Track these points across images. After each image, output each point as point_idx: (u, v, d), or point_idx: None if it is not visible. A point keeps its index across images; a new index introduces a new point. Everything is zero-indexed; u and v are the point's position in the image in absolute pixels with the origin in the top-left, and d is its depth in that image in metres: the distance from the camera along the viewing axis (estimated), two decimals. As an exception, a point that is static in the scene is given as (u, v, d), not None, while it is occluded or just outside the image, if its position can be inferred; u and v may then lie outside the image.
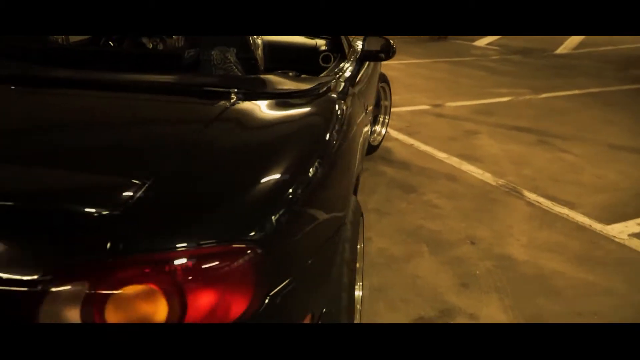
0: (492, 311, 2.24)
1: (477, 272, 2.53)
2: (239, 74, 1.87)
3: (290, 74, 2.14)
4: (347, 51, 2.90)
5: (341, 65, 2.45)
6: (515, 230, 2.97)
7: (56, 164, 1.16)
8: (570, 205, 3.28)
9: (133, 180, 1.04)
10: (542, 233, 2.95)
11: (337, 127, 1.54)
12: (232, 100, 1.49)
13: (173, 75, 1.66)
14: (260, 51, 2.07)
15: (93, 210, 0.96)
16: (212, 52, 1.89)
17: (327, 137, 1.45)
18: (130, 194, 1.00)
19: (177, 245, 0.93)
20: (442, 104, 5.63)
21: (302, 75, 2.04)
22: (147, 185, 1.03)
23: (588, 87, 6.71)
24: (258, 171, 1.16)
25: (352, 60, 2.60)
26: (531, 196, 3.41)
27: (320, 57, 2.96)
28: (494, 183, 3.60)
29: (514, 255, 2.70)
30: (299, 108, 1.60)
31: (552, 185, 3.57)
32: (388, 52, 2.62)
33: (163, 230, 0.96)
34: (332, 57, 2.94)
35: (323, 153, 1.37)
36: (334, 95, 1.78)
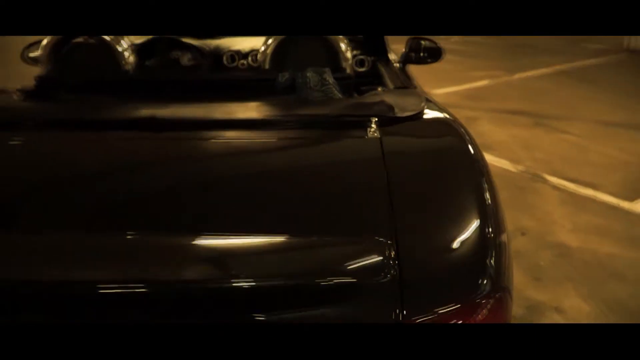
0: (573, 302, 2.33)
1: (542, 263, 2.62)
2: (339, 96, 1.82)
3: (383, 90, 2.05)
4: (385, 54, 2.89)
5: (386, 70, 2.43)
6: (556, 216, 3.08)
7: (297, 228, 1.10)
8: (593, 186, 3.44)
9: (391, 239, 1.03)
10: (581, 217, 3.08)
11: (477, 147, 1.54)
12: (372, 130, 1.45)
13: (296, 106, 1.59)
14: (350, 68, 2.01)
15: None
16: (308, 74, 1.83)
17: (482, 160, 1.45)
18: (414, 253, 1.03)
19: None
20: (429, 92, 5.71)
21: (399, 89, 1.99)
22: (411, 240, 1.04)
23: (553, 65, 6.99)
24: (474, 214, 1.16)
25: (397, 65, 2.59)
26: (554, 180, 3.54)
27: (355, 60, 2.92)
28: (514, 170, 3.71)
29: (566, 243, 2.81)
30: (441, 132, 1.57)
31: (567, 167, 3.73)
32: (437, 55, 2.62)
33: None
34: (366, 60, 2.91)
35: (489, 178, 1.37)
36: (447, 115, 1.77)
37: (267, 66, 1.97)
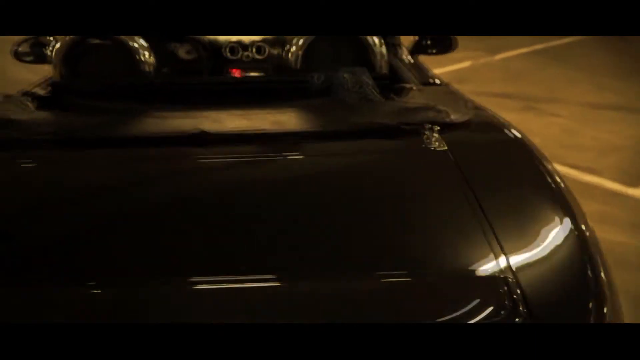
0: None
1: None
2: (379, 97, 1.72)
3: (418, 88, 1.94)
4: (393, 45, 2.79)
5: (401, 63, 2.35)
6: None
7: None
8: (593, 172, 3.46)
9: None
10: (589, 205, 3.08)
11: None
12: (435, 139, 1.36)
13: (346, 113, 1.48)
14: (385, 66, 1.90)
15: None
16: (344, 75, 1.72)
17: (546, 160, 1.42)
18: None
19: None
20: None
21: (432, 86, 1.90)
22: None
23: (529, 45, 7.01)
24: (564, 216, 1.17)
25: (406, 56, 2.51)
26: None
27: None
28: (513, 157, 3.70)
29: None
30: (502, 138, 1.51)
31: (565, 153, 3.74)
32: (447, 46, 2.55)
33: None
34: None
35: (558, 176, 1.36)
36: (496, 116, 1.70)
37: (297, 66, 1.84)
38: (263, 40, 2.73)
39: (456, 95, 1.82)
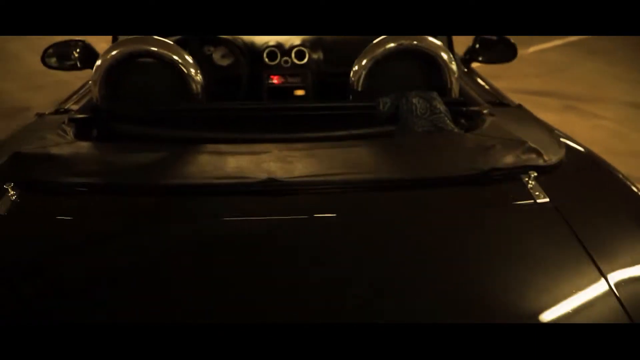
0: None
1: None
2: (452, 126, 1.51)
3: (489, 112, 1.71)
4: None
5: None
6: None
7: None
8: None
9: None
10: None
11: None
12: (537, 193, 1.16)
13: (429, 154, 1.28)
14: (456, 86, 1.68)
15: None
16: (414, 100, 1.52)
17: None
18: None
19: None
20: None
21: (502, 107, 1.69)
22: None
23: (563, 37, 6.71)
24: None
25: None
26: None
27: None
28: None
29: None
30: (605, 181, 1.32)
31: (617, 161, 3.49)
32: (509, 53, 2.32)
33: None
34: None
35: None
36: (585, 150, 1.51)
37: (360, 87, 1.63)
38: (303, 44, 2.53)
39: (537, 122, 1.61)
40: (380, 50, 1.57)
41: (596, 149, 2.86)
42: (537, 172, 1.21)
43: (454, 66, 1.61)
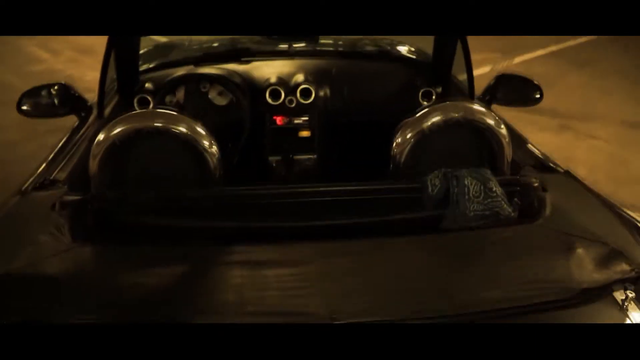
0: None
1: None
2: (508, 211, 1.32)
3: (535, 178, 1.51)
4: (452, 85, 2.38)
5: None
6: None
7: None
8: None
9: None
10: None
11: None
12: (632, 310, 0.99)
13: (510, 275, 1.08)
14: (506, 164, 1.47)
15: None
16: (466, 182, 1.32)
17: None
18: None
19: None
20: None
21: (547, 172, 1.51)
22: None
23: (545, 46, 6.63)
24: None
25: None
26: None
27: (420, 93, 2.38)
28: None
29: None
30: None
31: (619, 189, 3.39)
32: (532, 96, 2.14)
33: None
34: (434, 92, 2.39)
35: None
36: None
37: (402, 163, 1.41)
38: (308, 80, 2.30)
39: (595, 197, 1.44)
40: (428, 123, 1.36)
41: (598, 176, 2.66)
42: (629, 283, 1.04)
43: (507, 136, 1.41)
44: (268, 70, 2.38)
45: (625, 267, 1.08)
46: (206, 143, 1.30)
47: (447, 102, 1.38)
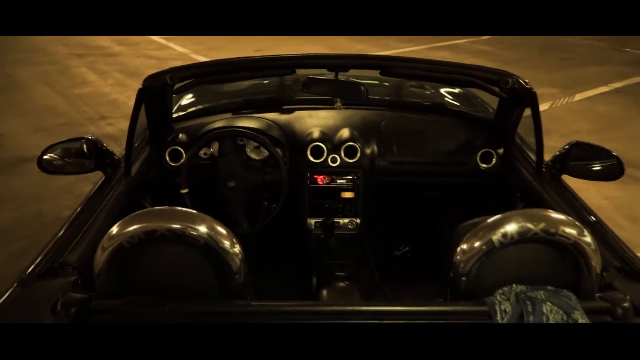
0: None
1: None
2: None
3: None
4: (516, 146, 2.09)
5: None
6: None
7: None
8: None
9: None
10: None
11: None
12: None
13: None
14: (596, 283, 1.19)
15: None
16: (544, 309, 1.06)
17: None
18: None
19: None
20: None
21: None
22: None
23: (607, 82, 6.21)
24: None
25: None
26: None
27: (479, 154, 2.12)
28: None
29: None
30: None
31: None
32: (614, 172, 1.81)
33: None
34: (495, 154, 2.11)
35: None
36: None
37: (472, 273, 1.14)
38: (353, 138, 2.08)
39: None
40: (500, 233, 1.11)
41: None
42: None
43: (592, 245, 1.14)
44: (311, 122, 2.17)
45: None
46: (227, 244, 1.09)
47: (525, 210, 1.12)
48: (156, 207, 1.10)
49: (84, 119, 4.61)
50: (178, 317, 1.03)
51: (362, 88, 1.93)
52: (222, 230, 1.09)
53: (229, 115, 2.21)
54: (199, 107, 2.35)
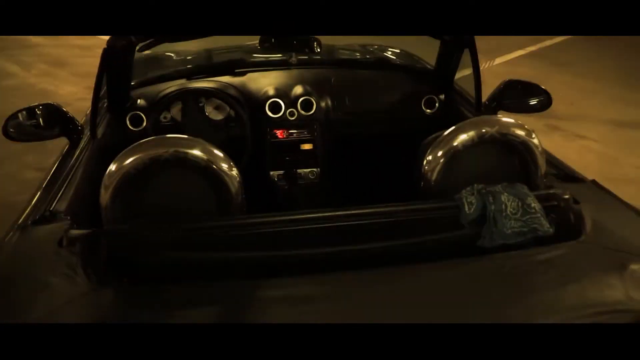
0: None
1: None
2: (547, 227, 1.25)
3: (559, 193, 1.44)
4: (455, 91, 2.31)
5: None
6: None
7: None
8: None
9: None
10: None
11: None
12: None
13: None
14: (542, 175, 1.40)
15: None
16: (502, 198, 1.25)
17: None
18: None
19: None
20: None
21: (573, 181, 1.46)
22: None
23: (523, 46, 6.66)
24: None
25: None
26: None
27: (423, 101, 2.32)
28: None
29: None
30: None
31: (620, 191, 3.40)
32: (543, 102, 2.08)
33: None
34: (437, 100, 2.32)
35: None
36: None
37: (439, 179, 1.32)
38: (308, 93, 2.21)
39: (626, 206, 1.39)
40: (460, 139, 1.28)
41: (591, 177, 2.64)
42: None
43: (539, 147, 1.35)
44: (265, 81, 2.28)
45: None
46: (225, 166, 1.20)
47: (479, 118, 1.31)
48: (153, 137, 1.18)
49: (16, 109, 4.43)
50: (187, 233, 1.12)
51: (315, 42, 2.06)
52: (219, 153, 1.19)
53: (184, 81, 2.27)
54: (153, 74, 2.39)
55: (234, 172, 1.21)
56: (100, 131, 1.89)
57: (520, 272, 1.09)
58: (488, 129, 1.28)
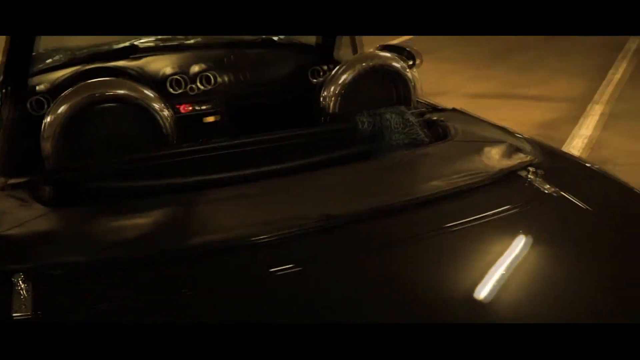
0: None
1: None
2: (423, 136, 1.57)
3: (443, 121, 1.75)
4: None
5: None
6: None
7: None
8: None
9: None
10: None
11: None
12: (542, 185, 1.28)
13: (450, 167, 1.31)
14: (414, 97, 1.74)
15: None
16: (387, 116, 1.54)
17: None
18: None
19: None
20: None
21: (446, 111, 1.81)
22: None
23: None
24: None
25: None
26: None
27: (309, 72, 2.61)
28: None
29: None
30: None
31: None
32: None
33: None
34: (321, 69, 2.63)
35: None
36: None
37: (331, 111, 1.60)
38: (208, 69, 2.39)
39: (487, 122, 1.75)
40: (349, 74, 1.58)
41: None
42: (533, 167, 1.33)
43: (412, 80, 1.69)
44: (162, 63, 2.42)
45: (524, 156, 1.38)
46: (157, 106, 1.37)
47: (361, 54, 1.61)
48: (90, 80, 1.32)
49: None
50: (127, 164, 1.28)
51: None
52: (151, 94, 1.36)
53: (79, 67, 2.35)
54: (45, 64, 2.43)
55: (166, 112, 1.38)
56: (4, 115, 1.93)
57: (404, 162, 1.40)
58: (369, 62, 1.58)
